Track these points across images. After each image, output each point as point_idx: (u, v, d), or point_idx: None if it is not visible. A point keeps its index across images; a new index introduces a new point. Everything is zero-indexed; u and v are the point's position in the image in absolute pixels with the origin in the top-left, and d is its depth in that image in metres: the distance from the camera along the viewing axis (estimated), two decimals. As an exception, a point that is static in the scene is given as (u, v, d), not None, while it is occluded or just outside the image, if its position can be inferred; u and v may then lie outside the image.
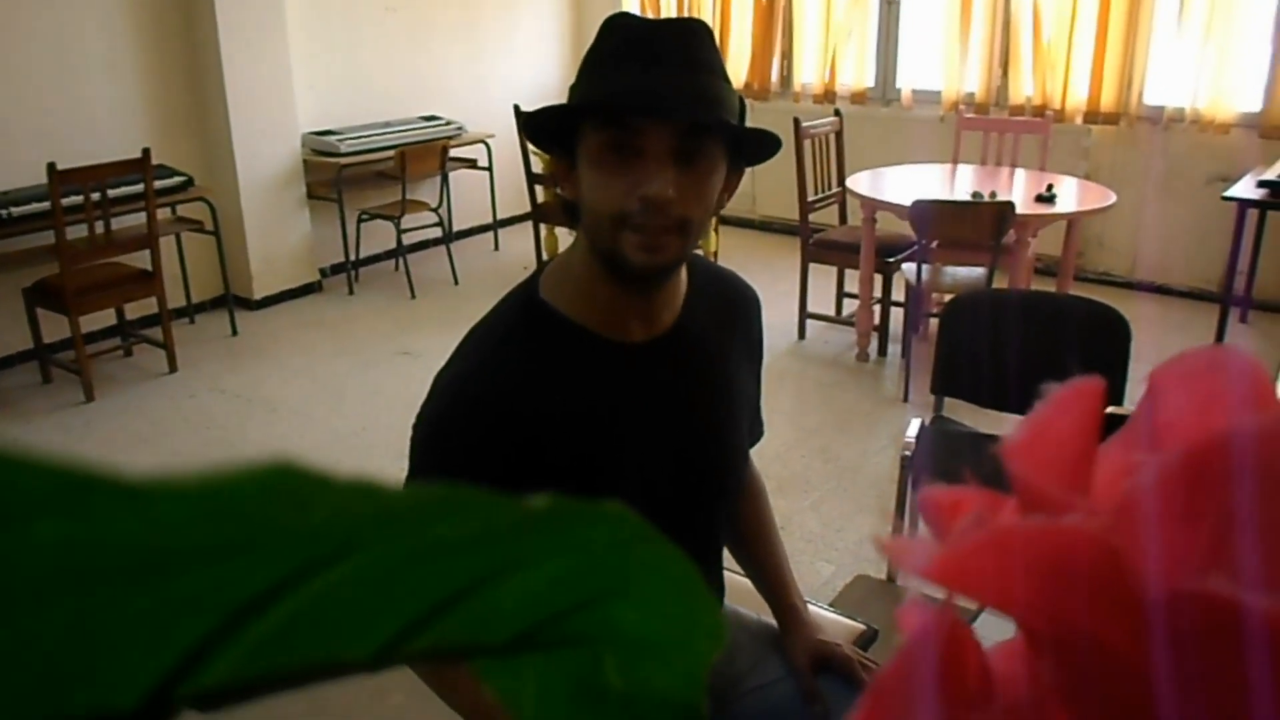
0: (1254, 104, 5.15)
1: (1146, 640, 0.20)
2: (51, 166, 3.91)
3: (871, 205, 4.39)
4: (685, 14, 6.92)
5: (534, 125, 1.23)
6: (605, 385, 1.26)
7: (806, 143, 4.76)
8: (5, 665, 0.17)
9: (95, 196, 4.13)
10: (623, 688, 0.25)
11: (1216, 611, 0.19)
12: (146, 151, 4.26)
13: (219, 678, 0.19)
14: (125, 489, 0.16)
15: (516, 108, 5.42)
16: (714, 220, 5.74)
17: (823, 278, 4.94)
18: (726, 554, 1.55)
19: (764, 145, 1.23)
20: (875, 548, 2.72)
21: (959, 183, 4.76)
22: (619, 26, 1.18)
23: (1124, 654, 0.21)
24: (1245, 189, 4.44)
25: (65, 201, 4.02)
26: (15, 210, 4.13)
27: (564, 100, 1.19)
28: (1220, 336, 4.56)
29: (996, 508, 0.25)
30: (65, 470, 0.16)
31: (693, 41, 1.16)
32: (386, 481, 0.18)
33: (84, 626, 0.17)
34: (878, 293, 4.67)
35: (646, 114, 1.12)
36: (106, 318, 4.78)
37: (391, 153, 5.49)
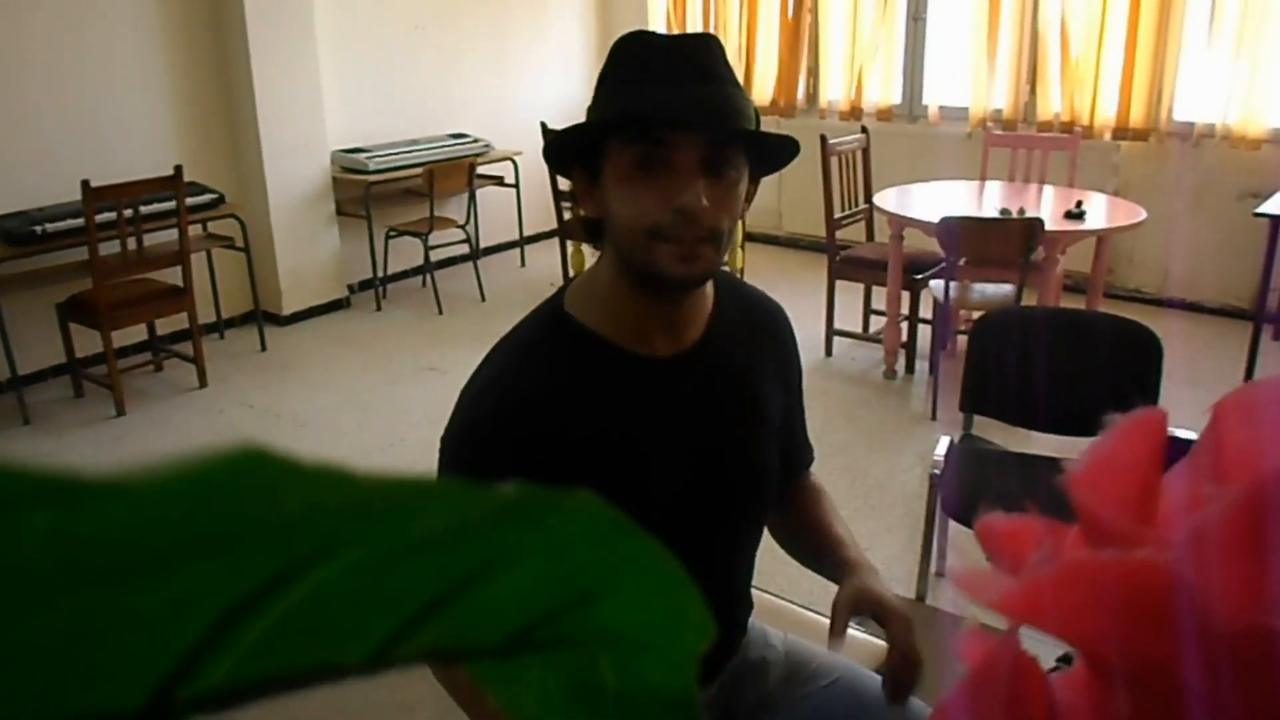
0: (1286, 120, 5.11)
1: (1216, 672, 0.20)
2: (85, 184, 3.97)
3: (899, 222, 4.38)
4: (710, 30, 6.94)
5: (559, 144, 1.24)
6: (630, 399, 1.26)
7: (833, 160, 4.76)
8: (10, 664, 0.17)
9: (128, 213, 4.18)
10: (617, 685, 0.25)
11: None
12: (179, 169, 4.31)
13: (219, 679, 0.19)
14: (106, 482, 0.16)
15: (543, 125, 5.45)
16: (740, 237, 5.74)
17: (850, 295, 4.93)
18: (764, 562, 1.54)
19: (783, 153, 1.25)
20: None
21: (987, 199, 4.74)
22: (633, 45, 1.20)
23: (1193, 685, 0.21)
24: (1277, 205, 4.40)
25: (99, 218, 4.07)
26: (50, 226, 4.19)
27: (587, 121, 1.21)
28: (1253, 354, 4.51)
29: (1057, 537, 0.26)
30: (49, 469, 0.16)
31: (708, 55, 1.18)
32: (356, 468, 0.18)
33: (83, 626, 0.17)
34: (905, 310, 4.65)
35: (681, 127, 1.13)
36: (138, 333, 4.83)
37: (420, 170, 5.53)
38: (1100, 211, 4.41)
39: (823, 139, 4.68)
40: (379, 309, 5.82)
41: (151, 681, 0.18)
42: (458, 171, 5.65)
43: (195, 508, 0.17)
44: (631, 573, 0.23)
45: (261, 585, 0.18)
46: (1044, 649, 0.31)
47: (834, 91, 6.63)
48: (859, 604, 1.28)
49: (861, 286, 4.96)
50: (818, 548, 1.44)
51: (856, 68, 6.43)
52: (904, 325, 4.67)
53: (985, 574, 0.23)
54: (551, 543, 0.22)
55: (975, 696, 0.24)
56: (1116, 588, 0.21)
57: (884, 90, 6.39)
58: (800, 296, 5.21)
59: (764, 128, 1.22)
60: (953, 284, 4.18)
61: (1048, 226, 3.93)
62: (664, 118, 1.14)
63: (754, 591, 1.57)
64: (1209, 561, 0.21)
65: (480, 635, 0.22)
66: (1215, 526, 0.21)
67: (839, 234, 4.81)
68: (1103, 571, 0.21)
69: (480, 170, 5.89)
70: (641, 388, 1.27)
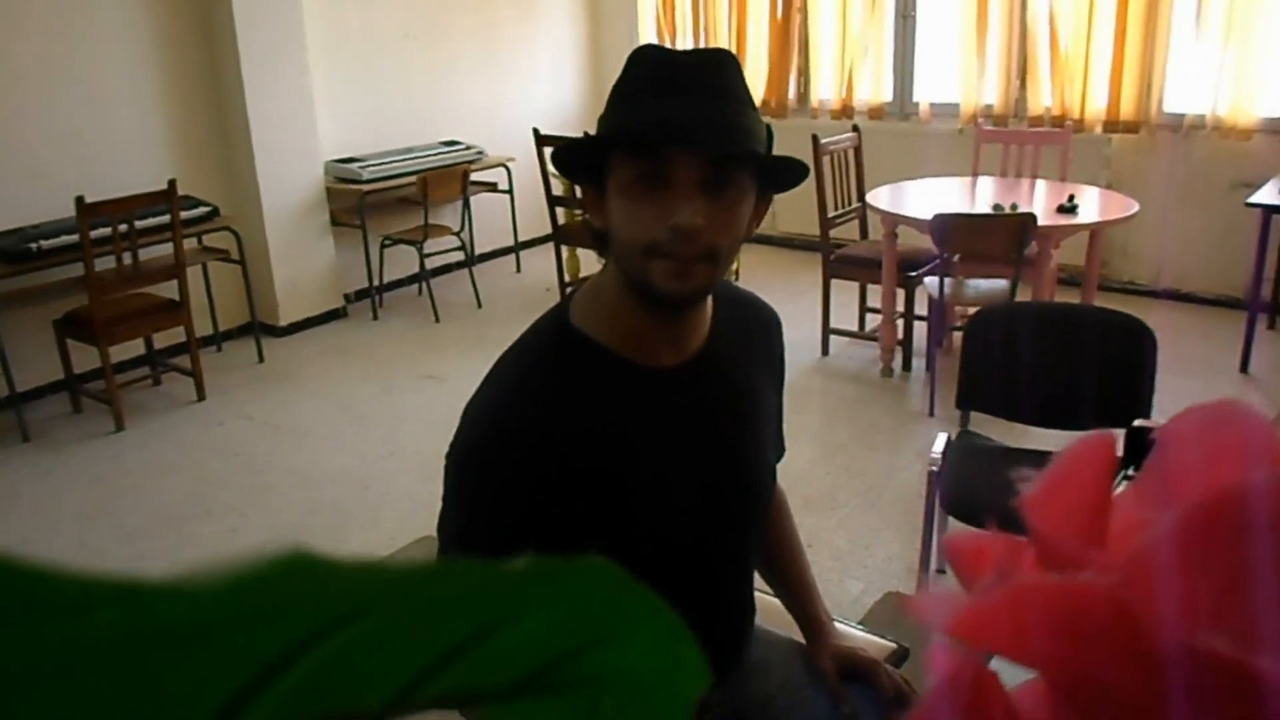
0: (1276, 109, 5.12)
1: (1160, 691, 0.21)
2: (80, 200, 3.97)
3: (892, 220, 4.39)
4: (702, 34, 6.96)
5: (563, 157, 1.24)
6: (638, 410, 1.27)
7: (825, 159, 4.77)
8: None
9: (123, 228, 4.19)
10: None
11: (1225, 669, 0.20)
12: (172, 183, 4.32)
13: None
14: (167, 586, 0.19)
15: (536, 131, 5.46)
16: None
17: (845, 293, 4.94)
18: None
19: (791, 173, 1.24)
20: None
21: (979, 195, 4.76)
22: (647, 58, 1.19)
23: (1139, 703, 0.21)
24: (1269, 195, 4.41)
25: (94, 234, 4.08)
26: (45, 243, 4.20)
27: (585, 125, 1.21)
28: (1248, 343, 4.53)
29: (1017, 555, 0.26)
30: (120, 578, 0.19)
31: (720, 72, 1.16)
32: (387, 560, 0.21)
33: (132, 690, 0.19)
34: (900, 307, 4.66)
35: (675, 145, 1.13)
36: (135, 348, 4.84)
37: (413, 178, 5.54)
38: (1093, 205, 4.42)
39: (815, 139, 4.70)
40: (375, 318, 5.83)
41: None
42: (451, 179, 5.67)
43: (241, 596, 0.20)
44: (634, 623, 0.25)
45: (294, 646, 0.20)
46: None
47: (825, 91, 6.64)
48: (841, 666, 1.51)
49: (856, 285, 4.97)
50: (789, 593, 1.61)
51: (847, 66, 6.44)
52: (899, 323, 4.68)
53: (939, 596, 0.24)
54: (560, 598, 0.24)
55: (936, 711, 0.24)
56: (1059, 611, 0.22)
57: (875, 88, 6.40)
58: (795, 296, 5.23)
59: None
60: (947, 280, 4.19)
61: (1040, 221, 3.94)
62: (657, 135, 1.13)
63: (756, 594, 1.59)
64: (1153, 584, 0.22)
65: (490, 680, 0.24)
66: (1159, 548, 0.22)
67: (833, 233, 4.82)
68: (1047, 595, 0.22)
69: (474, 177, 5.91)
70: (648, 399, 1.27)
